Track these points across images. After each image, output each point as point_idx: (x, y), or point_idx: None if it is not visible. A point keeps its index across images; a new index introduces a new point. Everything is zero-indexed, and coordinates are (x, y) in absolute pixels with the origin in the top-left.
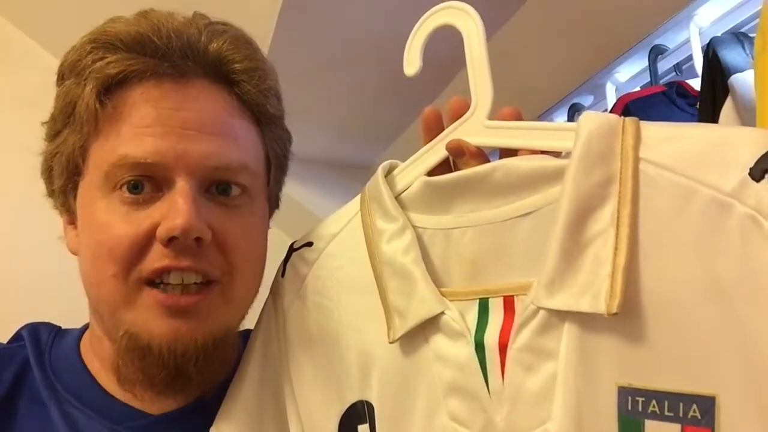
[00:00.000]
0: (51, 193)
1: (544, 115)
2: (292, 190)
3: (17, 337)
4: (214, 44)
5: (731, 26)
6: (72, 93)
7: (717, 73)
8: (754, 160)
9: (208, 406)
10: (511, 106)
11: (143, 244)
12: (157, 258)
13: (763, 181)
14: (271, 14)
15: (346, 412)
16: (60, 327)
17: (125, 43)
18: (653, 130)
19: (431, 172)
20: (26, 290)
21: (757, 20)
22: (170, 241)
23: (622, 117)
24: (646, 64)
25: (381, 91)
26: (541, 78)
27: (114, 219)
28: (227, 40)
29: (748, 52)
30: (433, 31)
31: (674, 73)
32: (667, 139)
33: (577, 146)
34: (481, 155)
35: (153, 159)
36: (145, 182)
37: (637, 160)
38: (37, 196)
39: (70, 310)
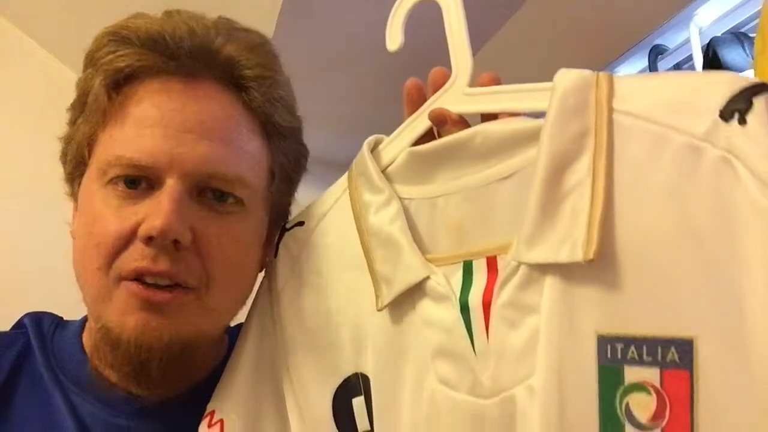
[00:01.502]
0: (65, 179)
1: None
2: None
3: (19, 324)
4: (227, 47)
5: (731, 26)
6: (87, 83)
7: None
8: (725, 102)
9: (208, 391)
10: (490, 72)
11: (127, 240)
12: (136, 257)
13: (733, 121)
14: (271, 14)
15: (339, 387)
16: (62, 317)
17: (140, 39)
18: (627, 82)
19: (417, 144)
20: (27, 287)
21: (757, 20)
22: (149, 241)
23: (597, 72)
24: (646, 64)
25: (381, 90)
26: (541, 78)
27: (106, 212)
28: (243, 45)
29: (748, 52)
30: (413, 6)
31: None
32: (640, 90)
33: (552, 102)
34: (463, 122)
35: (146, 161)
36: (140, 178)
37: (611, 111)
38: (37, 194)
39: (71, 306)
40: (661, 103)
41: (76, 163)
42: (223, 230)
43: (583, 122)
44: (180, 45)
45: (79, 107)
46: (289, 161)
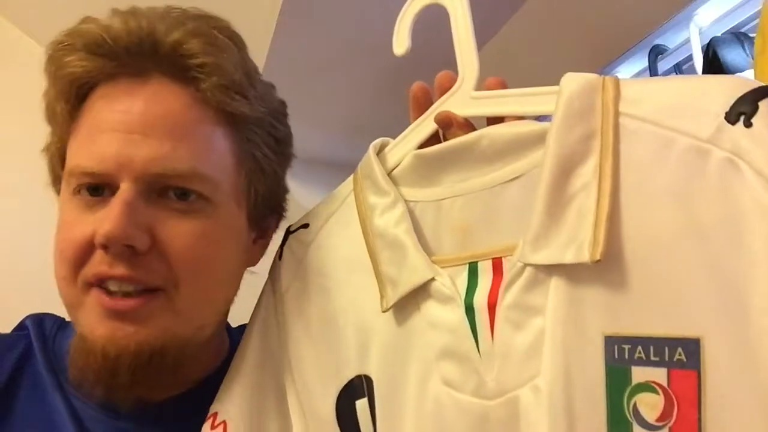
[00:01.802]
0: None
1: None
2: (291, 189)
3: (21, 326)
4: (170, 38)
5: (731, 26)
6: (48, 95)
7: (717, 73)
8: (730, 105)
9: (208, 391)
10: (496, 77)
11: (88, 249)
12: (96, 263)
13: (738, 124)
14: (271, 14)
15: (343, 389)
16: (64, 319)
17: (84, 45)
18: (632, 86)
19: (423, 147)
20: (27, 287)
21: (757, 20)
22: (104, 247)
23: (602, 76)
24: (646, 64)
25: (381, 91)
26: (541, 79)
27: (70, 222)
28: (186, 32)
29: (748, 52)
30: (420, 11)
31: (674, 73)
32: (646, 93)
33: (559, 106)
34: (469, 126)
35: (98, 168)
36: (102, 185)
37: (617, 114)
38: (37, 194)
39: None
40: (667, 106)
41: (54, 175)
42: (187, 228)
43: (589, 125)
44: (120, 44)
45: (49, 120)
46: (260, 149)
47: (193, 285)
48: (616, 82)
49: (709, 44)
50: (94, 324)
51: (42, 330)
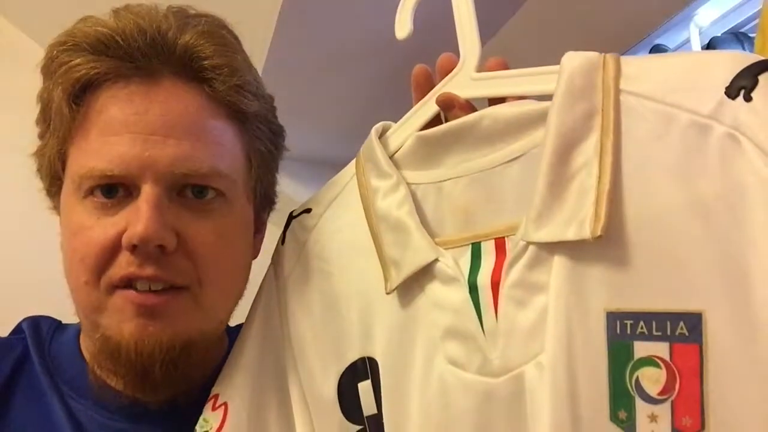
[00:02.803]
0: (46, 193)
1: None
2: (292, 190)
3: (17, 329)
4: (182, 39)
5: (731, 26)
6: (47, 96)
7: None
8: (730, 80)
9: (204, 395)
10: (497, 57)
11: (112, 251)
12: (123, 265)
13: (739, 98)
14: (271, 14)
15: (344, 372)
16: (60, 321)
17: (91, 45)
18: (633, 63)
19: (424, 130)
20: (26, 288)
21: (757, 20)
22: (134, 249)
23: (603, 54)
24: None
25: (380, 91)
26: None
27: (86, 225)
28: (196, 34)
29: (748, 52)
30: None
31: None
32: (646, 70)
33: (559, 84)
34: (470, 107)
35: (119, 170)
36: (117, 186)
37: (618, 91)
38: (36, 196)
39: (70, 308)
40: (668, 82)
41: (51, 178)
42: (208, 227)
43: (590, 103)
44: (132, 45)
45: (44, 122)
46: (264, 144)
47: (216, 282)
48: (617, 59)
49: (709, 44)
50: (123, 323)
51: (38, 333)
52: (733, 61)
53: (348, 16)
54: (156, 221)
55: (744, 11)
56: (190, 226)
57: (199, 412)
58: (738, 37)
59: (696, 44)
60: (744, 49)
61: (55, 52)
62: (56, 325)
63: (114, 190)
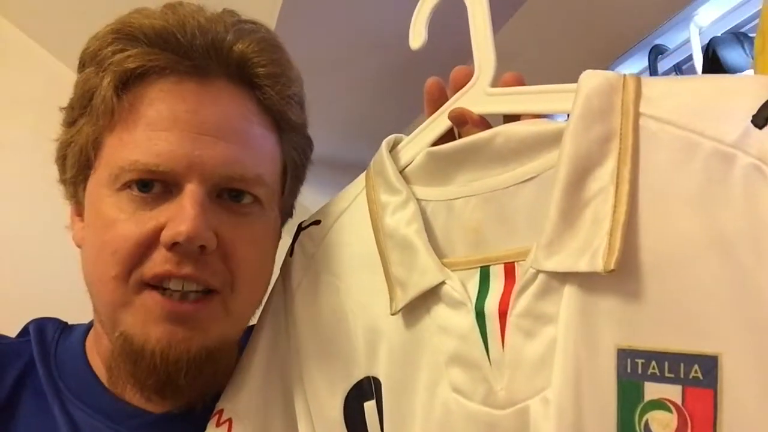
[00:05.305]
0: (63, 182)
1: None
2: None
3: (24, 332)
4: (239, 45)
5: (731, 26)
6: (90, 83)
7: (717, 73)
8: (757, 108)
9: (212, 405)
10: (514, 72)
11: (146, 246)
12: (159, 262)
13: (766, 128)
14: (271, 14)
15: (351, 390)
16: (66, 323)
17: (148, 37)
18: (654, 85)
19: (436, 145)
20: (26, 288)
21: (757, 20)
22: (173, 246)
23: (623, 74)
24: (646, 64)
25: (382, 90)
26: (541, 78)
27: (120, 218)
28: (254, 41)
29: (748, 52)
30: (438, 3)
31: (674, 73)
32: (668, 93)
33: (576, 104)
34: (484, 123)
35: (165, 166)
36: (155, 182)
37: (637, 115)
38: (37, 195)
39: (70, 307)
40: (690, 107)
41: (79, 166)
42: (244, 231)
43: (607, 126)
44: (192, 43)
45: (81, 108)
46: (299, 157)
47: (247, 287)
48: (638, 81)
49: (709, 44)
50: (150, 324)
51: (43, 337)
52: (761, 87)
53: (348, 15)
54: (201, 221)
55: (744, 11)
56: (229, 229)
57: (203, 421)
58: (738, 37)
59: (696, 44)
60: (744, 49)
61: (110, 38)
62: (62, 328)
63: (150, 185)
